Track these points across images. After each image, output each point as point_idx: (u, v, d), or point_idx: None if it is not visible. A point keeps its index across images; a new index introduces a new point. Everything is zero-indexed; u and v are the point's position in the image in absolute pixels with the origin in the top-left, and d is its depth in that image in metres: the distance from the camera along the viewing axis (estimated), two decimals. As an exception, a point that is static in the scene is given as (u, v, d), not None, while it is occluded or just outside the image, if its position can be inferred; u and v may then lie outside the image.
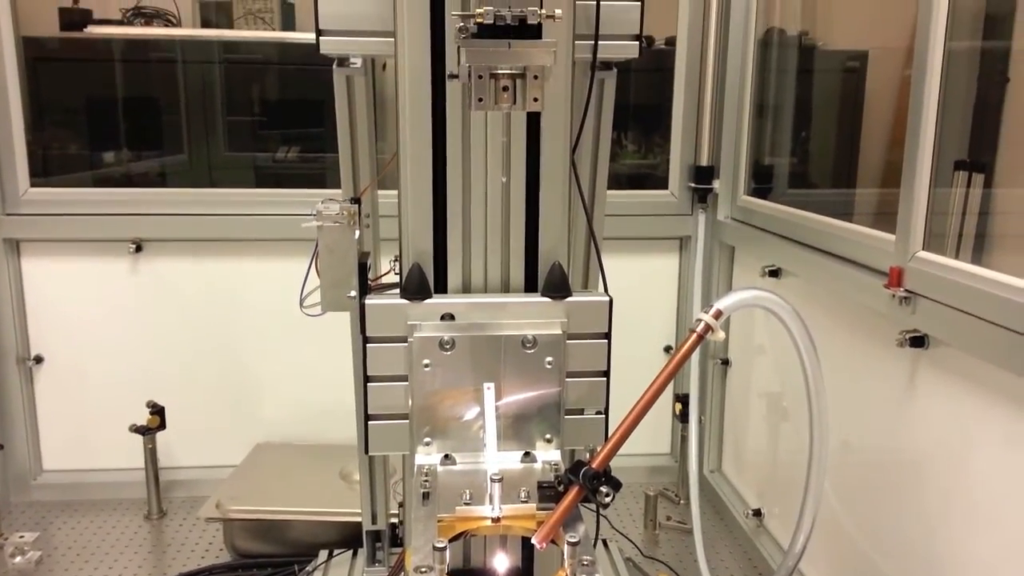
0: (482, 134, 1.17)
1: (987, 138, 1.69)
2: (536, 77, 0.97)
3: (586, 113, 1.32)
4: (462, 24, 0.94)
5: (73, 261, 2.21)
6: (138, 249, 2.19)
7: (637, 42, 1.32)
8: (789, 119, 2.23)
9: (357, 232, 1.25)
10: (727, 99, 2.17)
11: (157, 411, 2.16)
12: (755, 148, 2.18)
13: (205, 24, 2.63)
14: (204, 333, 2.27)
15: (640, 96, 2.49)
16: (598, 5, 1.21)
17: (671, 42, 2.28)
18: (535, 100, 0.97)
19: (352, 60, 1.32)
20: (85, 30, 2.38)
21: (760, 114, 2.19)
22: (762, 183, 2.20)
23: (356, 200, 1.29)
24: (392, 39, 1.18)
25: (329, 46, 1.26)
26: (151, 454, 2.19)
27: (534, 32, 0.95)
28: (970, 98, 1.59)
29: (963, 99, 1.54)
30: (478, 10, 0.92)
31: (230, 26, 2.62)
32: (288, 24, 2.65)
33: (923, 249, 1.37)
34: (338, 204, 1.26)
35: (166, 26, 2.54)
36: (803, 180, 2.29)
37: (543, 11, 0.94)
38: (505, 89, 0.97)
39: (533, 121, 1.18)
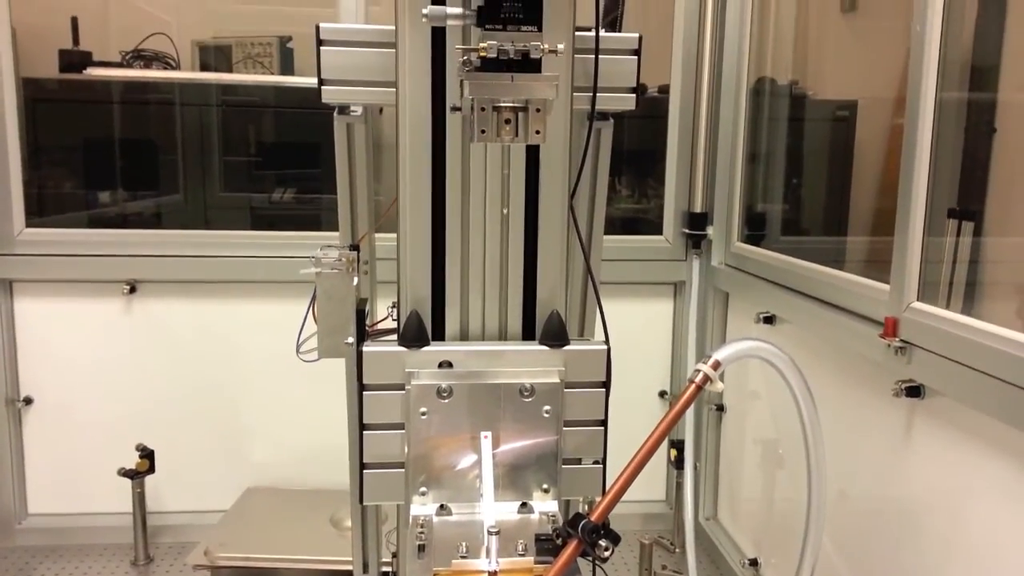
0: (481, 182, 1.18)
1: (976, 187, 1.72)
2: (538, 110, 0.98)
3: (584, 161, 1.33)
4: (466, 57, 0.95)
5: (66, 302, 2.20)
6: (132, 290, 2.18)
7: (634, 94, 1.35)
8: (781, 167, 2.26)
9: (355, 279, 1.25)
10: (720, 146, 2.21)
11: (146, 454, 2.13)
12: (748, 195, 2.21)
13: (204, 67, 2.66)
14: (196, 375, 2.25)
15: (633, 142, 2.52)
16: (596, 59, 1.24)
17: (664, 90, 2.32)
18: (537, 132, 0.99)
19: (353, 108, 1.33)
20: (84, 72, 2.40)
21: (753, 161, 2.22)
22: (755, 230, 2.22)
23: (355, 247, 1.30)
24: (392, 89, 1.20)
25: (331, 95, 1.27)
26: (139, 498, 2.15)
27: (536, 67, 0.96)
28: (959, 147, 1.62)
29: (952, 149, 1.57)
30: (482, 44, 0.94)
31: (229, 69, 2.65)
32: (287, 68, 2.69)
33: (917, 300, 1.38)
34: (337, 251, 1.26)
35: (165, 69, 2.57)
36: (796, 227, 2.32)
37: (545, 46, 0.95)
38: (507, 122, 0.98)
39: (532, 167, 1.20)
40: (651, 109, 2.34)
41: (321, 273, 1.25)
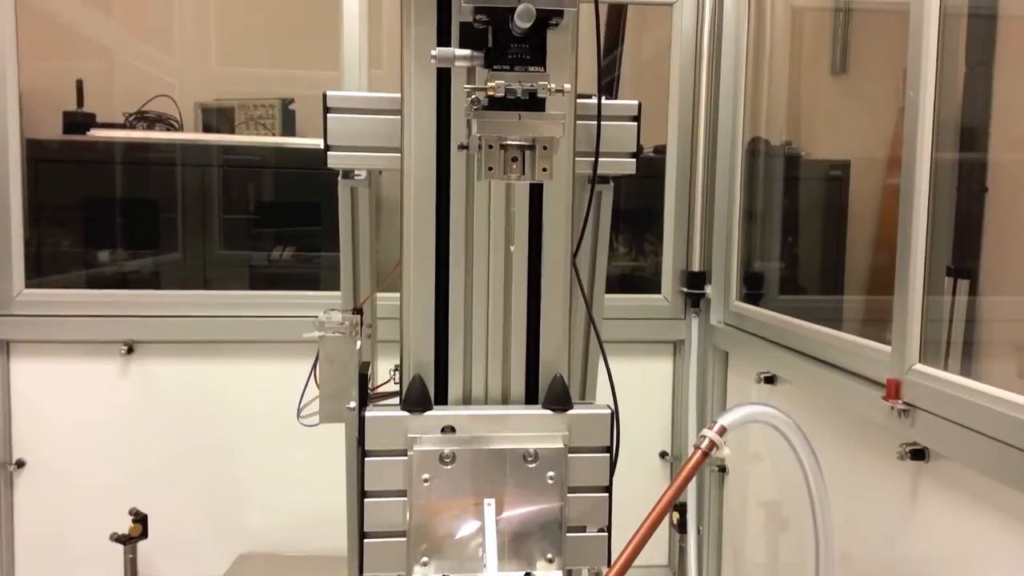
0: (485, 245, 1.19)
1: (971, 245, 1.74)
2: (545, 148, 1.00)
3: (586, 223, 1.35)
4: (473, 96, 0.97)
5: (63, 363, 2.18)
6: (130, 351, 2.17)
7: (634, 159, 1.37)
8: (777, 226, 2.29)
9: (358, 343, 1.25)
10: (717, 206, 2.23)
11: (140, 519, 2.09)
12: (745, 254, 2.22)
13: (206, 128, 2.70)
14: (193, 437, 2.23)
15: (630, 201, 2.55)
16: (599, 126, 1.26)
17: (660, 150, 2.35)
18: (544, 170, 1.00)
19: (357, 172, 1.35)
20: (87, 133, 2.43)
21: (750, 221, 2.24)
22: (753, 288, 2.24)
23: (358, 310, 1.30)
24: (397, 154, 1.22)
25: (337, 161, 1.30)
26: (131, 564, 2.10)
27: (542, 106, 0.98)
28: (953, 207, 1.64)
29: (947, 208, 1.59)
30: (490, 83, 0.96)
31: (231, 130, 2.69)
32: (288, 129, 2.73)
33: (919, 361, 1.38)
34: (340, 314, 1.26)
35: (167, 130, 2.61)
36: (793, 286, 2.33)
37: (552, 85, 0.97)
38: (514, 160, 1.00)
39: (535, 230, 1.21)
40: (647, 169, 2.38)
41: (324, 337, 1.25)
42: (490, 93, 0.95)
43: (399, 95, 1.20)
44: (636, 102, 1.37)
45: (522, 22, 0.92)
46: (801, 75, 2.39)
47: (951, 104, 1.52)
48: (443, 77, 1.15)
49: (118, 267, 2.46)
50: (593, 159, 1.29)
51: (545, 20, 0.95)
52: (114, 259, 2.47)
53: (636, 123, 1.37)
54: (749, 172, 2.23)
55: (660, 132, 2.33)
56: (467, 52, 0.99)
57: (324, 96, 1.29)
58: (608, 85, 2.50)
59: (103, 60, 2.88)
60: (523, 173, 1.00)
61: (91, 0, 2.81)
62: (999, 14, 1.73)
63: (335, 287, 1.48)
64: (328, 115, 1.29)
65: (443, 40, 1.12)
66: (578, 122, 1.25)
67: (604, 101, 1.28)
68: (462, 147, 1.13)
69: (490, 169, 0.98)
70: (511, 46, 0.96)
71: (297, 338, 1.37)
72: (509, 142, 0.99)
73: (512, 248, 1.19)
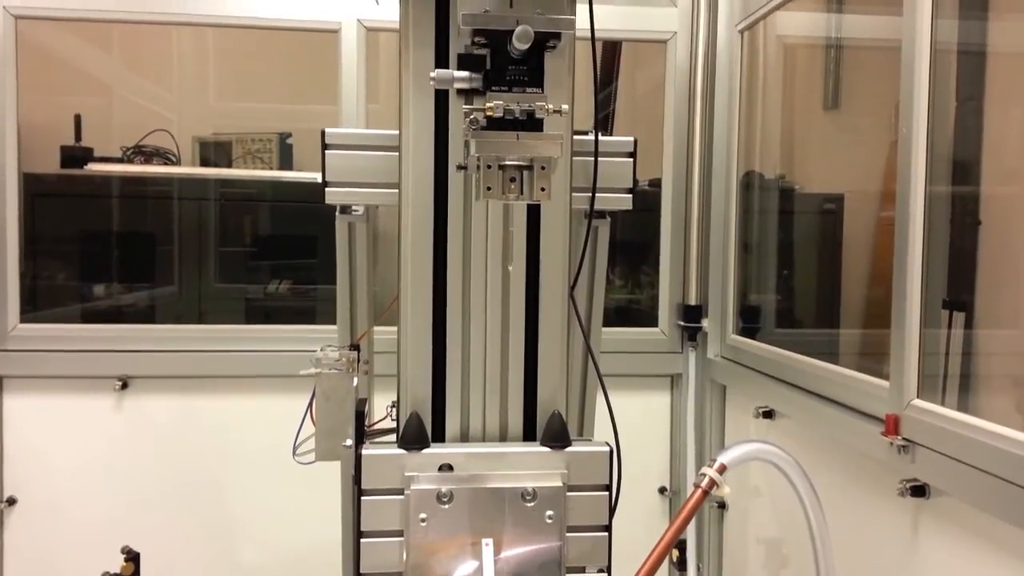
0: (482, 281, 1.19)
1: (965, 278, 1.75)
2: (543, 168, 1.00)
3: (583, 258, 1.35)
4: (472, 116, 0.98)
5: (56, 398, 2.16)
6: (124, 386, 2.15)
7: (630, 194, 1.38)
8: (773, 259, 2.30)
9: (355, 379, 1.25)
10: (712, 239, 2.24)
11: (132, 557, 2.05)
12: (741, 287, 2.23)
13: (204, 162, 2.71)
14: (187, 473, 2.20)
15: (625, 234, 2.56)
16: (596, 162, 1.27)
17: (655, 184, 2.37)
18: (542, 190, 1.01)
19: (354, 207, 1.36)
20: (85, 167, 2.44)
21: (745, 254, 2.25)
22: (750, 322, 2.24)
23: (355, 346, 1.29)
24: (394, 190, 1.23)
25: (334, 197, 1.30)
26: (122, 603, 2.06)
27: (539, 126, 0.99)
28: (947, 240, 1.65)
29: (942, 242, 1.60)
30: (489, 104, 0.96)
31: (229, 164, 2.70)
32: (285, 162, 2.74)
33: (918, 396, 1.37)
34: (337, 351, 1.26)
35: (165, 164, 2.62)
36: (789, 319, 2.33)
37: (549, 106, 0.98)
38: (512, 180, 1.00)
39: (532, 263, 1.21)
40: (643, 202, 2.38)
41: (321, 374, 1.24)
42: (489, 113, 0.96)
43: (396, 132, 1.21)
44: (632, 138, 1.38)
45: (520, 43, 0.93)
46: (794, 110, 2.42)
47: (943, 138, 1.53)
48: (441, 106, 1.16)
49: (113, 300, 2.46)
50: (590, 194, 1.30)
51: (542, 43, 0.97)
52: (109, 292, 2.46)
53: (632, 159, 1.38)
54: (744, 206, 2.24)
55: (655, 166, 2.34)
56: (466, 74, 1.01)
57: (323, 133, 1.30)
58: (604, 120, 2.52)
59: (102, 95, 2.90)
60: (521, 193, 1.00)
61: (91, 37, 2.84)
62: (988, 51, 1.76)
63: (331, 321, 1.47)
64: (327, 151, 1.30)
65: (441, 65, 1.13)
66: (575, 158, 1.26)
67: (601, 138, 1.29)
68: (460, 167, 1.13)
69: (488, 189, 0.99)
70: (509, 68, 0.98)
71: (293, 372, 1.36)
72: (507, 162, 0.99)
73: (510, 268, 1.20)
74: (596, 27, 1.20)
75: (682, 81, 2.26)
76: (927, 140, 1.40)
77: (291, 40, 2.30)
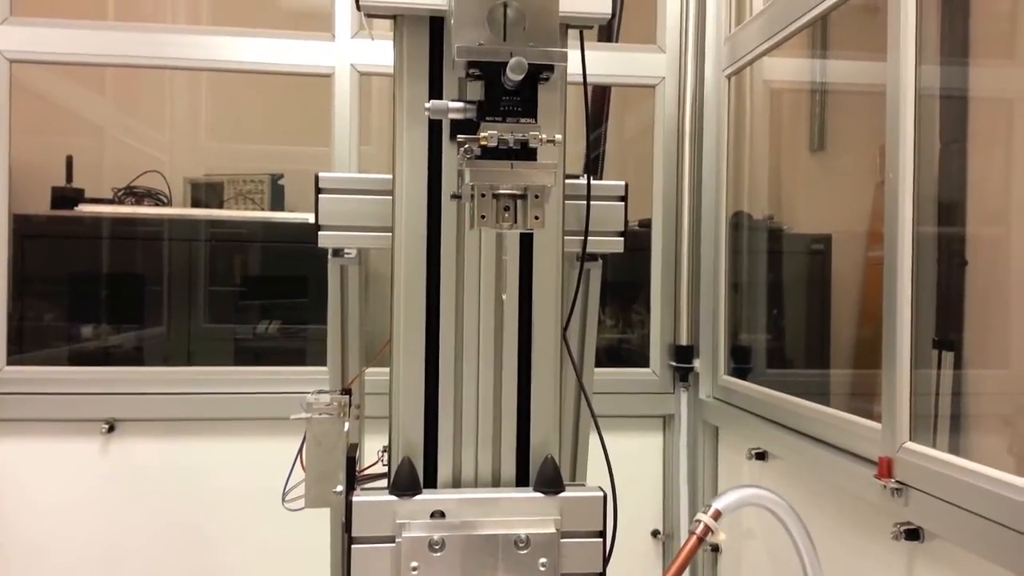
0: (475, 324, 1.19)
1: (953, 318, 1.76)
2: (537, 196, 1.01)
3: (575, 300, 1.36)
4: (467, 146, 0.98)
5: (42, 441, 2.13)
6: (111, 429, 2.12)
7: (621, 238, 1.39)
8: (763, 299, 2.31)
9: (347, 424, 1.24)
10: (703, 279, 2.25)
11: (114, 604, 2.01)
12: (732, 327, 2.23)
13: (195, 203, 2.72)
14: (174, 517, 2.16)
15: (616, 274, 2.57)
16: (588, 205, 1.28)
17: (644, 224, 2.38)
18: (536, 218, 1.01)
19: (347, 251, 1.36)
20: (75, 208, 2.44)
21: (735, 294, 2.26)
22: (741, 362, 2.24)
23: (347, 391, 1.29)
24: (387, 234, 1.23)
25: (327, 240, 1.31)
26: (103, 653, 2.01)
27: (533, 155, 1.00)
28: (934, 281, 1.67)
29: (929, 282, 1.61)
30: (483, 134, 0.97)
31: (220, 205, 2.71)
32: (277, 203, 2.75)
33: (910, 439, 1.37)
34: (328, 395, 1.25)
35: (156, 205, 2.62)
36: (780, 359, 2.33)
37: (543, 136, 0.99)
38: (507, 209, 1.01)
39: (524, 306, 1.21)
40: (633, 242, 2.39)
41: (312, 418, 1.23)
42: (483, 143, 0.97)
43: (389, 176, 1.22)
44: (623, 183, 1.40)
45: (514, 74, 0.95)
46: (781, 152, 2.45)
47: (928, 180, 1.56)
48: (434, 138, 1.17)
49: (101, 342, 2.44)
50: (582, 237, 1.31)
51: (536, 75, 0.98)
52: (97, 334, 2.44)
53: (623, 203, 1.39)
54: (733, 246, 2.26)
55: (645, 206, 2.36)
56: (460, 104, 1.02)
57: (316, 177, 1.30)
58: (594, 161, 2.55)
59: (94, 136, 2.91)
60: (515, 222, 1.01)
61: (84, 79, 2.86)
62: (970, 95, 1.79)
63: (321, 362, 1.47)
64: (320, 195, 1.30)
65: (435, 98, 1.14)
66: (567, 201, 1.27)
67: (592, 182, 1.31)
68: (455, 196, 1.14)
69: (483, 217, 1.00)
70: (503, 99, 0.99)
71: (283, 415, 1.35)
72: (501, 191, 1.00)
73: (504, 296, 1.20)
74: (587, 72, 1.22)
75: (671, 124, 2.29)
76: (913, 182, 1.42)
77: (284, 82, 2.32)
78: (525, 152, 0.99)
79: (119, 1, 2.82)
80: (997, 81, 1.79)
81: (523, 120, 0.99)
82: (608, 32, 2.31)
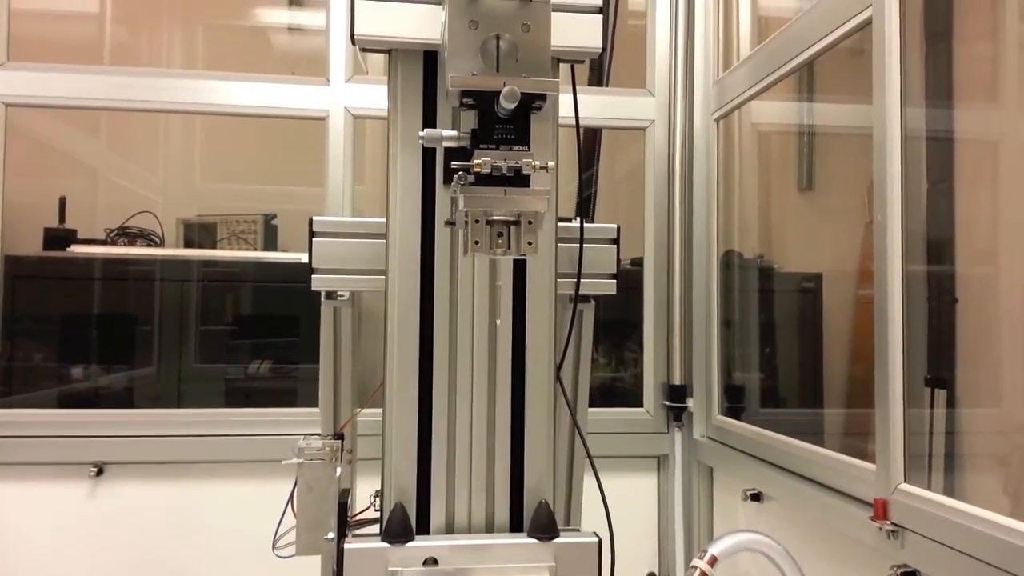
0: (468, 365, 1.19)
1: (945, 356, 1.76)
2: (530, 222, 1.02)
3: (568, 341, 1.36)
4: (460, 172, 0.99)
5: (28, 486, 2.10)
6: (99, 472, 2.10)
7: (614, 280, 1.40)
8: (755, 338, 2.31)
9: (338, 469, 1.22)
10: (695, 319, 2.26)
11: (100, 653, 1.97)
12: (725, 366, 2.23)
13: (188, 244, 2.72)
14: (162, 563, 2.12)
15: (608, 312, 2.58)
16: (581, 248, 1.29)
17: (636, 263, 2.40)
18: (529, 244, 1.02)
19: (340, 293, 1.36)
20: (68, 249, 2.43)
21: (728, 333, 2.26)
22: (735, 401, 2.23)
23: (339, 435, 1.28)
24: (380, 276, 1.24)
25: (321, 283, 1.31)
26: None
27: (526, 182, 1.01)
28: (925, 318, 1.67)
29: (921, 321, 1.62)
30: (477, 160, 0.98)
31: (213, 245, 2.71)
32: (270, 243, 2.76)
33: (904, 480, 1.37)
34: (320, 440, 1.24)
35: (149, 246, 2.62)
36: (774, 398, 2.33)
37: (536, 163, 1.00)
38: (500, 235, 1.01)
39: (518, 349, 1.21)
40: (625, 281, 2.39)
41: (303, 464, 1.22)
42: (476, 169, 0.98)
43: (382, 219, 1.23)
44: (615, 225, 1.41)
45: (507, 103, 0.96)
46: (770, 192, 2.48)
47: (917, 219, 1.57)
48: (428, 170, 1.19)
49: (91, 383, 2.42)
50: (575, 280, 1.32)
51: (528, 104, 1.00)
52: (87, 375, 2.42)
53: (615, 245, 1.40)
54: (725, 285, 2.27)
55: (637, 245, 2.38)
56: (454, 133, 1.03)
57: (311, 221, 1.31)
58: (586, 200, 2.57)
59: (88, 178, 2.92)
60: (508, 248, 1.02)
61: (79, 121, 2.88)
62: (956, 136, 1.82)
63: (313, 402, 1.46)
64: (314, 239, 1.31)
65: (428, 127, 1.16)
66: (559, 244, 1.28)
67: (585, 225, 1.32)
68: (448, 223, 1.15)
69: (476, 243, 1.00)
70: (496, 127, 1.01)
71: (274, 458, 1.34)
72: (495, 217, 1.01)
73: (499, 322, 1.20)
74: (579, 115, 1.24)
75: (661, 165, 2.32)
76: (901, 221, 1.44)
77: (278, 123, 2.34)
78: (518, 179, 1.00)
79: (115, 46, 2.86)
80: (981, 123, 1.82)
81: (516, 148, 1.01)
82: (598, 76, 2.35)
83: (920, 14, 1.71)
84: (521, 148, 1.01)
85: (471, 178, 0.99)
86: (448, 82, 0.99)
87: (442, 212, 1.18)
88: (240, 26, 3.19)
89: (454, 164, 1.00)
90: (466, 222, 1.00)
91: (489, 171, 0.99)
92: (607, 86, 2.35)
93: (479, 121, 1.01)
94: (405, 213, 1.18)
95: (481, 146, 1.00)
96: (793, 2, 2.45)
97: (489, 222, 1.01)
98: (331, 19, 2.17)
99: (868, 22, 1.50)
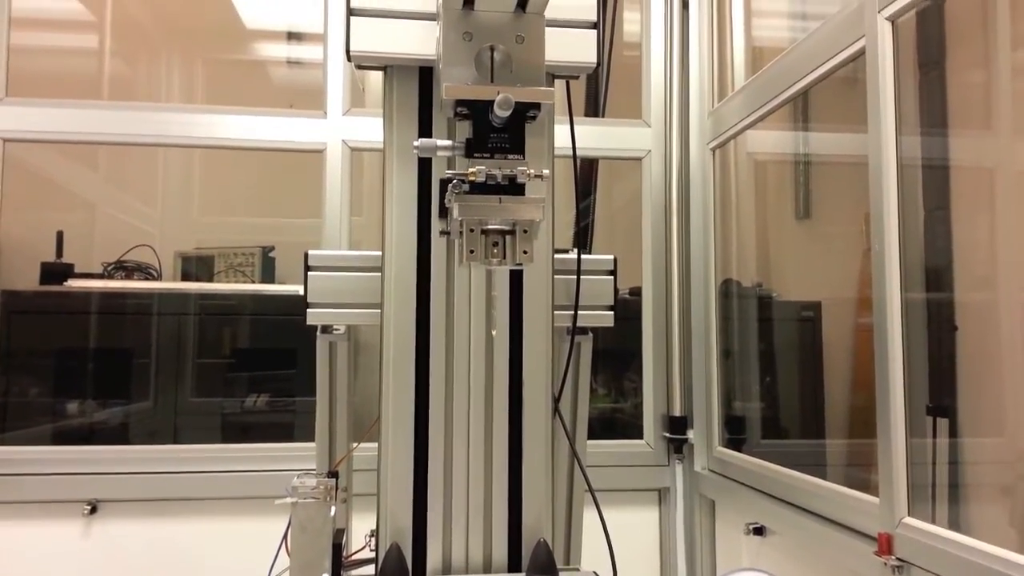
0: (465, 400, 1.17)
1: (946, 384, 1.75)
2: (525, 231, 1.00)
3: (566, 373, 1.35)
4: (455, 181, 0.98)
5: (21, 524, 2.07)
6: (93, 510, 2.07)
7: (611, 312, 1.39)
8: (755, 368, 2.29)
9: (333, 509, 1.20)
10: (694, 349, 2.24)
11: None
12: (725, 397, 2.22)
13: (185, 277, 2.71)
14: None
15: (608, 341, 2.56)
16: (578, 280, 1.28)
17: (635, 292, 2.39)
18: (524, 252, 1.00)
19: (336, 327, 1.35)
20: (65, 283, 2.43)
21: (727, 363, 2.25)
22: (735, 433, 2.21)
23: (333, 473, 1.26)
24: (375, 310, 1.23)
25: (316, 317, 1.30)
26: None
27: (521, 191, 1.00)
28: (925, 346, 1.66)
29: (921, 348, 1.61)
30: (471, 169, 0.97)
31: (210, 278, 2.70)
32: (267, 275, 2.75)
33: (908, 514, 1.35)
34: (315, 478, 1.22)
35: (146, 279, 2.61)
36: (774, 429, 2.31)
37: (531, 171, 0.99)
38: (495, 244, 1.00)
39: (515, 382, 1.20)
40: (624, 311, 2.39)
41: (297, 503, 1.20)
42: (471, 178, 0.98)
43: (378, 253, 1.22)
44: (612, 257, 1.40)
45: (501, 111, 0.96)
46: (767, 220, 2.48)
47: (915, 247, 1.57)
48: (424, 186, 1.18)
49: (86, 418, 2.40)
50: (572, 312, 1.31)
51: (523, 112, 0.99)
52: (83, 410, 2.40)
53: (612, 277, 1.39)
54: (723, 314, 2.26)
55: (635, 274, 2.37)
56: (448, 142, 1.02)
57: (306, 255, 1.31)
58: (584, 230, 2.57)
59: (86, 211, 2.93)
60: (503, 258, 1.00)
61: (76, 155, 2.89)
62: (951, 164, 1.82)
63: (311, 436, 1.44)
64: (309, 273, 1.30)
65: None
66: (556, 276, 1.27)
67: (582, 256, 1.31)
68: (443, 233, 1.14)
69: (471, 252, 0.99)
70: (491, 136, 1.00)
71: (270, 494, 1.32)
72: (490, 227, 1.00)
73: (494, 332, 1.19)
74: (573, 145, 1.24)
75: (658, 195, 2.32)
76: (899, 249, 1.43)
77: (276, 156, 2.35)
78: (513, 187, 1.00)
79: (114, 81, 2.88)
80: (977, 151, 1.82)
81: (511, 156, 1.00)
82: (595, 108, 2.37)
83: (913, 43, 1.72)
84: (516, 156, 1.00)
85: (465, 187, 0.98)
86: (443, 91, 0.99)
87: (438, 240, 1.18)
88: (239, 60, 3.21)
89: (447, 172, 0.99)
90: (461, 231, 0.99)
91: (484, 179, 0.98)
92: (603, 117, 2.36)
93: (473, 130, 1.00)
94: (401, 232, 1.18)
95: (475, 155, 1.00)
96: (786, 32, 2.47)
97: (484, 232, 1.00)
98: (328, 52, 2.19)
99: (861, 52, 1.51)
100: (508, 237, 1.01)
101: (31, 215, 2.67)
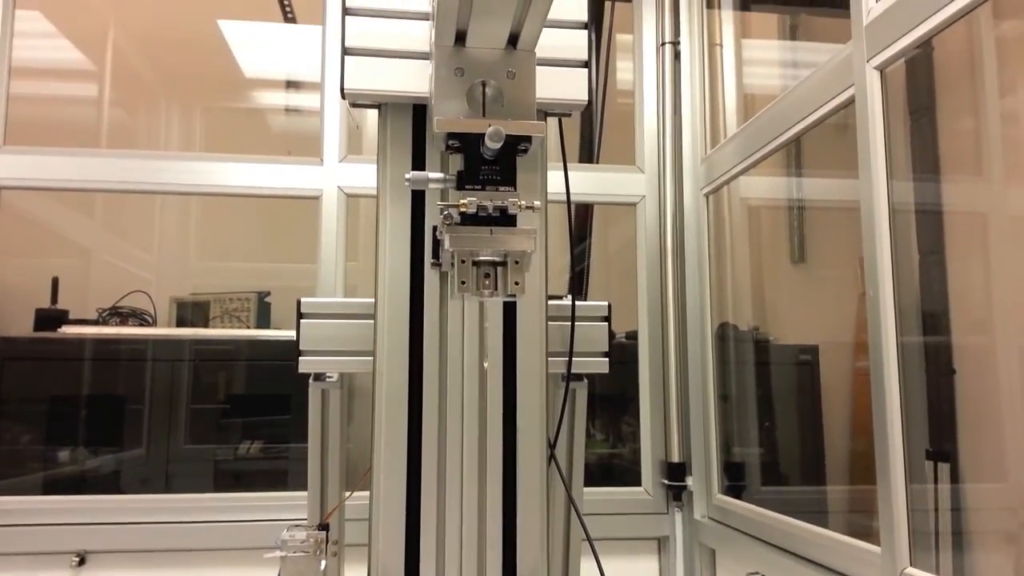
0: (458, 451, 1.16)
1: (946, 428, 1.73)
2: (517, 263, 1.00)
3: (561, 420, 1.33)
4: (446, 212, 0.98)
5: (5, 577, 2.03)
6: (81, 562, 2.03)
7: (606, 358, 1.38)
8: (753, 413, 2.28)
9: (323, 562, 1.18)
10: (692, 393, 2.23)
11: None
12: (724, 443, 2.19)
13: (180, 323, 2.71)
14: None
15: (604, 386, 2.55)
16: (572, 327, 1.28)
17: (631, 336, 2.38)
18: (516, 283, 1.00)
19: (328, 375, 1.34)
20: (59, 330, 2.42)
21: (726, 408, 2.23)
22: (735, 479, 2.19)
23: (324, 526, 1.24)
24: (368, 358, 1.22)
25: (308, 365, 1.29)
26: None
27: (512, 222, 1.00)
28: (924, 391, 1.65)
29: (919, 393, 1.60)
30: (463, 200, 0.97)
31: (205, 324, 2.70)
32: (263, 320, 2.74)
33: (910, 564, 1.32)
34: (304, 531, 1.20)
35: (141, 325, 2.61)
36: (775, 475, 2.28)
37: (522, 202, 0.99)
38: (487, 276, 1.00)
39: (509, 429, 1.18)
40: (620, 354, 2.39)
41: (287, 557, 1.17)
42: (463, 210, 0.98)
43: (371, 299, 1.22)
44: (606, 303, 1.40)
45: (492, 143, 0.96)
46: (762, 264, 2.49)
47: (910, 291, 1.57)
48: (416, 223, 1.18)
49: (78, 466, 2.36)
50: (567, 358, 1.30)
51: (514, 145, 1.00)
52: (74, 458, 2.37)
53: (607, 323, 1.39)
54: (721, 358, 2.25)
55: (631, 318, 2.37)
56: (440, 175, 1.03)
57: (298, 303, 1.30)
58: (579, 275, 2.58)
59: (81, 258, 2.93)
60: (495, 289, 1.00)
61: (72, 202, 2.90)
62: (944, 209, 1.83)
63: (303, 484, 1.42)
64: (302, 320, 1.30)
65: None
66: (551, 322, 1.27)
67: (576, 303, 1.31)
68: (435, 265, 1.14)
69: (463, 283, 0.99)
70: (482, 168, 1.00)
71: (263, 544, 1.29)
72: (482, 258, 1.00)
73: (486, 364, 1.17)
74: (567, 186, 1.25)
75: (652, 240, 2.33)
76: (894, 293, 1.43)
77: (273, 202, 2.37)
78: (504, 218, 1.00)
79: (113, 129, 2.90)
80: (969, 196, 1.83)
81: (502, 188, 1.00)
82: (589, 154, 2.39)
83: (903, 91, 1.75)
84: (507, 188, 1.01)
85: (457, 218, 0.98)
86: (435, 125, 1.00)
87: (431, 278, 1.18)
88: (238, 108, 3.26)
89: (439, 204, 1.00)
90: (452, 263, 0.99)
91: (475, 211, 0.98)
92: (598, 163, 2.38)
93: (465, 163, 1.01)
94: (394, 270, 1.17)
95: (467, 186, 1.00)
96: (778, 80, 2.51)
97: (476, 263, 1.00)
98: (325, 100, 2.21)
99: (851, 100, 1.53)
100: (500, 268, 1.01)
101: (26, 261, 2.68)
